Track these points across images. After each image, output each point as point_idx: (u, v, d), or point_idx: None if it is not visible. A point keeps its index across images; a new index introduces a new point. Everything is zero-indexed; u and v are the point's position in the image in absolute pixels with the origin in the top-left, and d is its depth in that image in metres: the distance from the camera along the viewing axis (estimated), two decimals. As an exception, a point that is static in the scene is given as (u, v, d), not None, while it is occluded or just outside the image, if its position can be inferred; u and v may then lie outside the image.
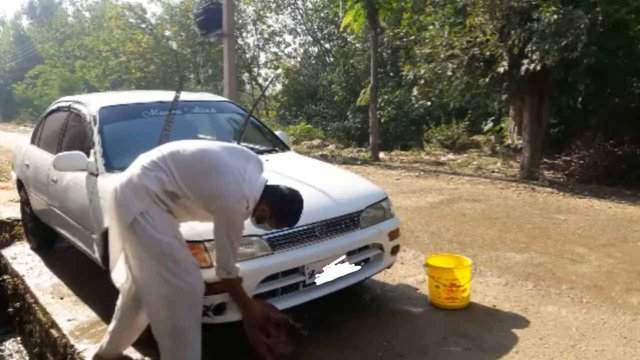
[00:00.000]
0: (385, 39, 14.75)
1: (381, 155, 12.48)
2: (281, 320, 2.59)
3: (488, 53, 8.02)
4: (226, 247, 2.35)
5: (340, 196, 3.21)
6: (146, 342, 3.01)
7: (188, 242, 2.62)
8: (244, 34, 23.02)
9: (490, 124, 12.97)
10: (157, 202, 2.34)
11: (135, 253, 2.36)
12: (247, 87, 23.99)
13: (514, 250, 4.68)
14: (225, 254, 2.37)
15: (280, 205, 2.45)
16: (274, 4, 22.52)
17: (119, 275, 2.57)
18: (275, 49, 23.70)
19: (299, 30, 23.17)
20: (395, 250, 3.49)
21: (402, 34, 12.61)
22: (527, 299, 3.56)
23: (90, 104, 3.94)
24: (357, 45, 20.02)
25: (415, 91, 10.82)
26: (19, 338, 4.74)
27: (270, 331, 2.55)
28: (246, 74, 23.24)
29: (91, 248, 3.48)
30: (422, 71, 9.79)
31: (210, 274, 2.59)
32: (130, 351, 2.98)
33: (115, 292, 3.18)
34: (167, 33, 24.51)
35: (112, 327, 2.72)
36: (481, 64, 8.49)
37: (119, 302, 2.68)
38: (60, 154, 3.55)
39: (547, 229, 5.36)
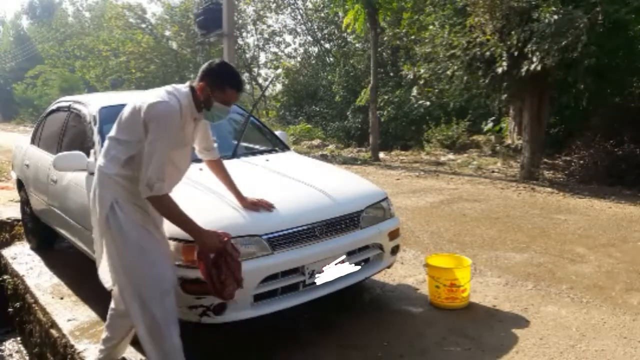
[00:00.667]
0: (385, 39, 14.75)
1: (381, 155, 12.48)
2: (235, 258, 2.43)
3: (488, 53, 8.02)
4: (153, 159, 2.26)
5: (340, 196, 3.21)
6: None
7: (187, 242, 2.63)
8: (244, 34, 23.03)
9: (490, 124, 12.97)
10: (123, 185, 2.38)
11: (112, 245, 2.39)
12: (247, 87, 23.98)
13: (514, 250, 4.68)
14: (152, 167, 2.26)
15: (216, 73, 2.41)
16: (274, 4, 22.52)
17: (106, 274, 2.55)
18: (275, 49, 23.72)
19: (299, 30, 23.19)
20: (395, 250, 3.49)
21: (402, 34, 12.62)
22: (527, 299, 3.56)
23: (90, 104, 3.94)
24: (357, 45, 20.02)
25: (415, 91, 10.83)
26: (19, 338, 4.74)
27: (222, 268, 2.37)
28: (246, 74, 23.21)
29: (91, 248, 3.47)
30: (422, 71, 9.79)
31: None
32: (130, 351, 2.98)
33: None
34: (167, 33, 24.50)
35: (104, 335, 2.72)
36: (481, 64, 8.49)
37: (111, 305, 2.68)
38: (60, 154, 3.54)
39: (547, 229, 5.36)
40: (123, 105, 4.02)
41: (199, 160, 3.62)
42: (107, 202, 2.37)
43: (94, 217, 2.48)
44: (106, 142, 2.48)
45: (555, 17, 6.94)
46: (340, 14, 14.71)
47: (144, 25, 24.35)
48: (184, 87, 2.42)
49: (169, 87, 2.42)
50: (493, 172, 9.53)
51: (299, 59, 23.31)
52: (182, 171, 2.54)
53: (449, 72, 8.96)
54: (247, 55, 23.33)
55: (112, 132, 2.47)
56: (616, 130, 8.62)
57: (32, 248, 5.10)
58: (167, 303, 2.39)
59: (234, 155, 3.84)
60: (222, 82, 2.40)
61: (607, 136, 8.56)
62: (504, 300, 3.55)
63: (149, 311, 2.36)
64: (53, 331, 3.49)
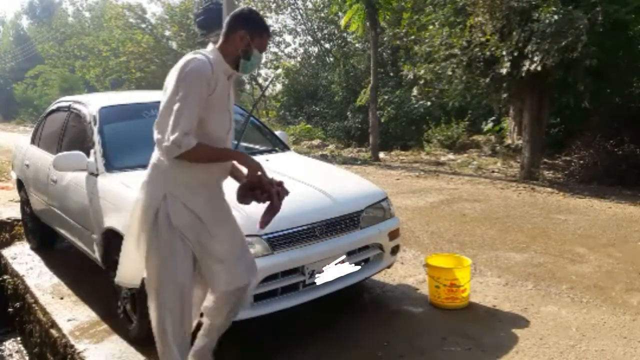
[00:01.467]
0: (385, 39, 14.75)
1: (381, 155, 12.48)
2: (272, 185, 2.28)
3: (488, 53, 8.02)
4: (183, 115, 2.06)
5: (340, 196, 3.21)
6: (146, 342, 3.02)
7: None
8: (244, 34, 22.99)
9: (490, 124, 12.97)
10: (170, 175, 2.21)
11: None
12: (247, 87, 23.96)
13: (514, 250, 4.68)
14: (180, 124, 2.06)
15: (254, 19, 2.26)
16: (274, 4, 22.51)
17: (130, 273, 2.38)
18: (275, 49, 23.70)
19: (299, 30, 23.17)
20: (395, 250, 3.49)
21: (402, 34, 12.61)
22: (527, 299, 3.56)
23: (90, 104, 3.95)
24: (357, 45, 20.01)
25: (415, 91, 10.82)
26: (19, 338, 4.74)
27: (258, 195, 2.27)
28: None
29: (91, 248, 3.48)
30: (422, 71, 9.79)
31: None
32: (130, 351, 2.98)
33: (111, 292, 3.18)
34: (167, 33, 24.47)
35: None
36: (481, 64, 8.48)
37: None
38: (60, 154, 3.55)
39: (547, 229, 5.36)
40: (123, 105, 4.10)
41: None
42: (158, 195, 2.21)
43: (135, 220, 2.28)
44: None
45: (555, 17, 6.94)
46: (340, 14, 14.70)
47: (144, 25, 24.32)
48: (209, 46, 2.28)
49: (191, 52, 2.24)
50: (493, 172, 9.53)
51: (299, 59, 23.32)
52: (219, 141, 2.26)
53: (449, 72, 8.96)
54: (247, 55, 23.29)
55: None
56: (616, 130, 8.61)
57: (32, 248, 5.10)
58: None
59: (234, 155, 3.84)
60: (260, 28, 2.26)
61: (607, 136, 8.56)
62: (504, 300, 3.55)
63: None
64: (53, 331, 3.49)
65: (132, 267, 2.34)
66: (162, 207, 2.20)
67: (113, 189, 3.23)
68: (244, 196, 2.28)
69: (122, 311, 3.14)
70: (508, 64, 7.75)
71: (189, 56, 2.18)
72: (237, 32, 2.22)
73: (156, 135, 2.21)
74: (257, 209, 2.89)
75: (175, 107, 2.08)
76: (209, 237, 2.27)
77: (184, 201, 2.22)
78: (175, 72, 2.16)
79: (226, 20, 2.29)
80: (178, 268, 2.24)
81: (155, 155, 2.27)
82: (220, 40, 2.26)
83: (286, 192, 2.30)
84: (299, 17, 22.89)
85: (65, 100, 4.61)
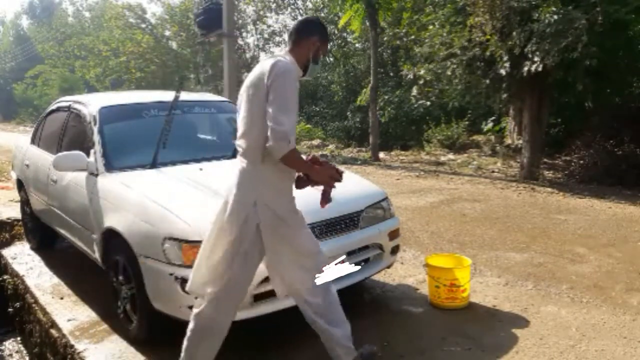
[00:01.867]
0: (385, 39, 14.75)
1: (381, 155, 12.48)
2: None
3: (488, 53, 8.02)
4: (289, 110, 2.13)
5: (340, 196, 3.19)
6: (146, 342, 3.02)
7: (187, 242, 2.63)
8: (244, 34, 23.01)
9: (490, 124, 12.98)
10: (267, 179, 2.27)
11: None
12: (247, 87, 23.94)
13: (514, 250, 4.68)
14: (289, 119, 2.11)
15: (323, 26, 2.44)
16: (274, 4, 22.51)
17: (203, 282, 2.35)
18: (275, 49, 23.68)
19: (299, 30, 23.15)
20: (395, 250, 3.49)
21: (402, 34, 12.61)
22: (527, 299, 3.56)
23: (90, 104, 3.95)
24: (357, 45, 20.00)
25: (415, 91, 10.82)
26: (19, 338, 4.74)
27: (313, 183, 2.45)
28: (246, 74, 23.16)
29: (91, 248, 3.48)
30: (422, 71, 9.79)
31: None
32: (131, 351, 2.98)
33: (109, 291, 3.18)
34: (167, 33, 24.48)
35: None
36: (481, 64, 8.48)
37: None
38: (60, 154, 3.55)
39: (547, 229, 5.36)
40: (123, 105, 4.10)
41: (198, 160, 3.64)
42: (248, 201, 2.25)
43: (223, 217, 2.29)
44: (239, 136, 2.30)
45: (555, 17, 6.94)
46: (340, 14, 14.69)
47: (144, 25, 24.32)
48: (280, 51, 2.38)
49: (269, 56, 2.34)
50: (493, 172, 9.53)
51: (299, 58, 23.29)
52: None
53: (449, 72, 8.96)
54: (247, 55, 23.30)
55: (241, 126, 2.28)
56: (616, 130, 8.62)
57: (32, 248, 5.09)
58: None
59: (234, 155, 3.83)
60: (326, 35, 2.43)
61: (607, 136, 8.56)
62: (504, 300, 3.55)
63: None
64: (53, 331, 3.49)
65: (203, 276, 2.33)
66: (252, 213, 2.24)
67: (113, 189, 3.23)
68: (301, 182, 2.41)
69: (122, 311, 3.14)
70: (507, 64, 7.75)
71: (272, 59, 2.22)
72: (311, 38, 2.35)
73: (246, 142, 2.25)
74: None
75: (275, 106, 2.11)
76: (295, 239, 2.36)
77: (273, 207, 2.28)
78: (263, 75, 2.18)
79: (296, 26, 2.41)
80: (251, 273, 2.35)
81: (244, 161, 2.29)
82: (290, 46, 2.36)
83: (339, 178, 2.47)
84: (299, 17, 22.88)
85: (65, 100, 4.61)
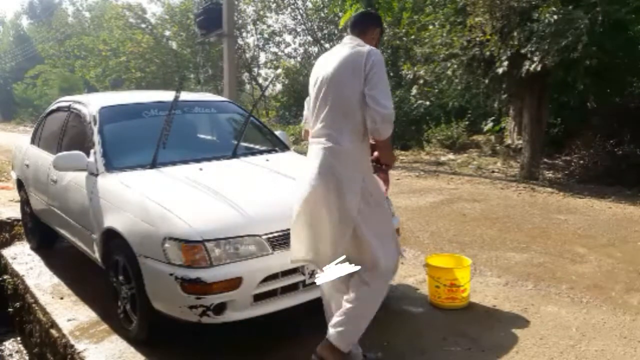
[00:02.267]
0: (385, 39, 14.73)
1: (381, 155, 12.44)
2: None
3: (488, 53, 8.02)
4: (389, 96, 2.32)
5: (340, 196, 3.20)
6: (146, 342, 3.02)
7: (187, 242, 2.63)
8: (244, 34, 22.99)
9: (490, 124, 12.96)
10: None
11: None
12: (247, 87, 23.95)
13: (514, 250, 4.68)
14: (390, 103, 2.30)
15: (380, 17, 2.76)
16: (274, 4, 22.49)
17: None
18: (275, 49, 23.67)
19: (299, 30, 23.13)
20: (395, 250, 3.48)
21: (402, 34, 12.60)
22: (527, 299, 3.56)
23: (90, 104, 3.95)
24: (357, 45, 19.93)
25: (414, 91, 10.81)
26: (19, 338, 4.74)
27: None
28: (246, 74, 23.18)
29: (91, 248, 3.48)
30: (422, 71, 9.78)
31: (211, 274, 2.60)
32: (131, 351, 2.98)
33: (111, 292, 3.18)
34: (167, 33, 24.46)
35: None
36: (481, 64, 8.48)
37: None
38: (60, 154, 3.56)
39: (547, 229, 5.36)
40: (123, 105, 4.10)
41: (198, 160, 3.64)
42: (358, 178, 2.36)
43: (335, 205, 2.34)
44: (329, 119, 2.38)
45: (555, 17, 6.94)
46: (340, 14, 14.68)
47: (144, 25, 24.30)
48: (354, 40, 2.47)
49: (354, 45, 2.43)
50: (493, 172, 9.53)
51: (299, 59, 23.29)
52: None
53: (449, 72, 8.96)
54: (247, 55, 23.29)
55: (333, 108, 2.38)
56: (616, 130, 8.61)
57: (32, 248, 5.10)
58: None
59: (234, 155, 3.85)
60: (382, 26, 2.66)
61: (607, 136, 8.55)
62: (504, 300, 3.55)
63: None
64: (53, 331, 3.49)
65: (302, 246, 2.44)
66: (364, 187, 2.37)
67: (113, 189, 3.23)
68: (375, 169, 2.56)
69: (122, 311, 3.14)
70: (505, 64, 7.75)
71: (361, 47, 2.37)
72: (375, 29, 2.57)
73: (348, 123, 2.35)
74: (257, 208, 2.90)
75: (379, 91, 2.28)
76: (377, 215, 2.43)
77: (371, 182, 2.44)
78: (358, 62, 2.32)
79: (359, 18, 2.61)
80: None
81: (347, 140, 2.35)
82: (358, 35, 2.51)
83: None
84: (299, 17, 22.87)
85: (65, 100, 4.61)
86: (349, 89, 2.33)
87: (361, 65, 2.30)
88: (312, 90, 2.50)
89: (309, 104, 2.58)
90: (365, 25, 2.55)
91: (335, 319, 2.44)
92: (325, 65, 2.44)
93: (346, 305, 2.41)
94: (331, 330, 2.43)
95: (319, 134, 2.41)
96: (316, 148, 2.41)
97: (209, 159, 3.70)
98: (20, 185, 5.15)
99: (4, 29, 51.27)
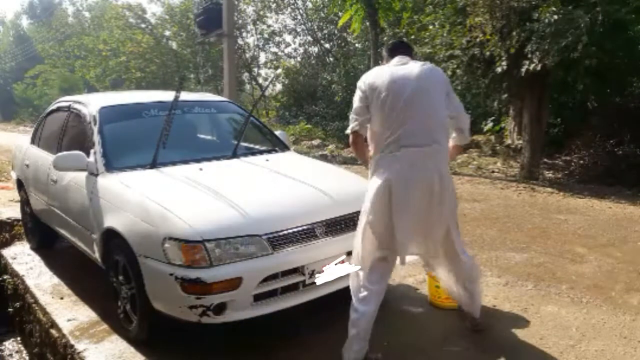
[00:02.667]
0: (385, 39, 14.74)
1: (381, 155, 12.44)
2: None
3: (488, 53, 8.02)
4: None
5: (340, 196, 3.21)
6: (146, 342, 3.02)
7: (187, 242, 2.63)
8: (244, 34, 22.99)
9: (490, 124, 12.95)
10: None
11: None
12: (247, 87, 23.95)
13: (514, 250, 4.68)
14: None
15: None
16: (274, 4, 22.49)
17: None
18: (275, 49, 23.67)
19: (299, 30, 23.14)
20: (395, 250, 3.49)
21: (402, 34, 12.60)
22: (527, 299, 3.56)
23: (90, 104, 3.95)
24: (357, 45, 19.98)
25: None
26: (19, 338, 4.74)
27: None
28: (246, 74, 23.19)
29: (91, 248, 3.48)
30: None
31: (211, 274, 2.60)
32: (131, 351, 2.98)
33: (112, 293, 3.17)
34: (167, 33, 24.47)
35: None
36: (481, 64, 8.48)
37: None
38: (60, 154, 3.55)
39: (547, 229, 5.36)
40: (123, 105, 4.10)
41: (198, 160, 3.64)
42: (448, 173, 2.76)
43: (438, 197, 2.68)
44: (425, 125, 2.65)
45: (555, 17, 6.94)
46: (340, 14, 14.69)
47: (143, 25, 24.31)
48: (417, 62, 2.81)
49: (413, 60, 2.81)
50: (493, 172, 9.53)
51: (299, 59, 23.29)
52: None
53: (449, 73, 8.96)
54: (247, 55, 23.29)
55: (432, 115, 2.68)
56: (616, 130, 8.62)
57: (32, 248, 5.10)
58: None
59: (234, 155, 3.85)
60: None
61: (607, 136, 8.56)
62: (504, 300, 3.55)
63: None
64: (53, 331, 3.49)
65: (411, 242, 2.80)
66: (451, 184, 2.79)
67: (113, 189, 3.23)
68: None
69: (122, 311, 3.14)
70: (504, 63, 7.75)
71: (430, 64, 2.79)
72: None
73: (443, 127, 2.74)
74: (258, 208, 2.90)
75: (459, 103, 2.86)
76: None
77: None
78: (439, 78, 2.76)
79: (406, 43, 3.04)
80: None
81: (438, 144, 2.68)
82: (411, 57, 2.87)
83: None
84: (299, 17, 22.87)
85: (65, 100, 4.61)
86: (439, 99, 2.69)
87: (442, 78, 2.75)
88: (387, 101, 2.62)
89: (362, 111, 2.76)
90: (411, 49, 2.96)
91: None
92: (397, 79, 2.64)
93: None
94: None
95: (417, 139, 2.62)
96: (416, 151, 2.62)
97: (209, 159, 3.70)
98: (20, 185, 5.15)
99: (4, 29, 51.26)
